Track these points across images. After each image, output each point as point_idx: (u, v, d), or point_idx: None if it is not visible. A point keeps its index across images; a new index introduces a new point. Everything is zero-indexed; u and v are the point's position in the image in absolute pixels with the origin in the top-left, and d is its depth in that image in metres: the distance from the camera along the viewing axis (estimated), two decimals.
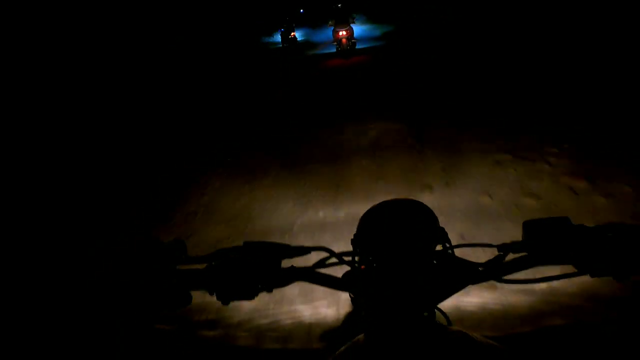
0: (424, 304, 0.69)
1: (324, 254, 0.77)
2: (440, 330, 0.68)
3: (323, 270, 0.75)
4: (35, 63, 8.04)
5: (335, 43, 11.20)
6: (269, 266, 0.72)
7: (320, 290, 0.74)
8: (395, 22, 14.33)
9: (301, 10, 21.49)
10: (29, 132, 6.03)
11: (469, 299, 1.97)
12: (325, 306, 2.06)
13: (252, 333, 1.99)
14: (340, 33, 10.82)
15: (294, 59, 12.54)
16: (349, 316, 1.38)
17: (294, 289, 2.17)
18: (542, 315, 1.88)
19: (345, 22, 11.08)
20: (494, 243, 0.75)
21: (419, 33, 12.22)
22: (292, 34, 15.16)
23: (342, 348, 0.69)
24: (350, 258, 0.74)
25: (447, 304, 0.76)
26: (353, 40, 11.02)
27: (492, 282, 0.73)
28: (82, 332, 1.98)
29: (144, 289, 0.70)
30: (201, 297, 0.75)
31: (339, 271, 0.75)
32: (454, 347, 0.65)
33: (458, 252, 0.74)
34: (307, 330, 1.97)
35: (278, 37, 16.49)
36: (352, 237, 0.76)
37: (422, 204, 0.77)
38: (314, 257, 0.76)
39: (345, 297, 1.67)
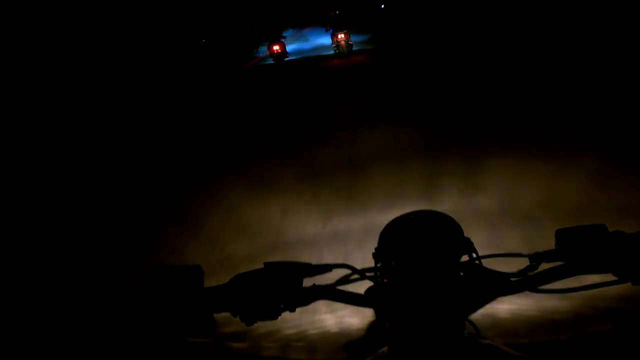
0: (451, 316, 0.67)
1: (347, 271, 0.76)
2: (467, 343, 0.66)
3: (346, 287, 0.74)
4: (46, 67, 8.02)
5: (334, 45, 11.75)
6: (290, 286, 0.71)
7: None
8: (371, 31, 15.42)
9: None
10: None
11: (502, 306, 1.89)
12: (349, 316, 2.03)
13: (279, 344, 1.97)
14: (340, 36, 11.47)
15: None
16: (372, 326, 1.36)
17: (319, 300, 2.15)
18: (581, 321, 1.79)
19: (343, 27, 11.60)
20: (525, 252, 0.72)
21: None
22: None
23: None
24: (372, 273, 0.73)
25: (478, 312, 0.74)
26: (350, 43, 11.62)
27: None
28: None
29: (160, 314, 0.67)
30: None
31: (361, 287, 0.73)
32: None
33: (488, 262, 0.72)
34: (332, 340, 1.94)
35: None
36: (374, 251, 0.74)
37: (444, 214, 0.75)
38: (336, 274, 0.76)
39: None
